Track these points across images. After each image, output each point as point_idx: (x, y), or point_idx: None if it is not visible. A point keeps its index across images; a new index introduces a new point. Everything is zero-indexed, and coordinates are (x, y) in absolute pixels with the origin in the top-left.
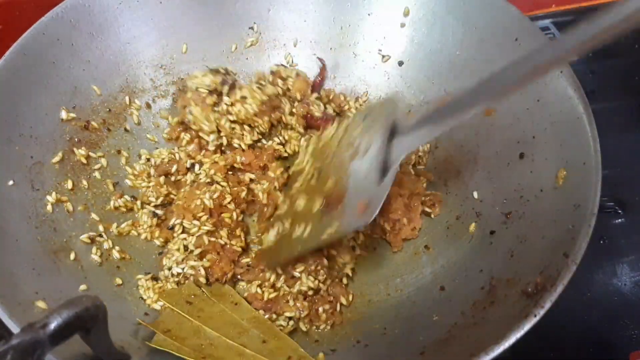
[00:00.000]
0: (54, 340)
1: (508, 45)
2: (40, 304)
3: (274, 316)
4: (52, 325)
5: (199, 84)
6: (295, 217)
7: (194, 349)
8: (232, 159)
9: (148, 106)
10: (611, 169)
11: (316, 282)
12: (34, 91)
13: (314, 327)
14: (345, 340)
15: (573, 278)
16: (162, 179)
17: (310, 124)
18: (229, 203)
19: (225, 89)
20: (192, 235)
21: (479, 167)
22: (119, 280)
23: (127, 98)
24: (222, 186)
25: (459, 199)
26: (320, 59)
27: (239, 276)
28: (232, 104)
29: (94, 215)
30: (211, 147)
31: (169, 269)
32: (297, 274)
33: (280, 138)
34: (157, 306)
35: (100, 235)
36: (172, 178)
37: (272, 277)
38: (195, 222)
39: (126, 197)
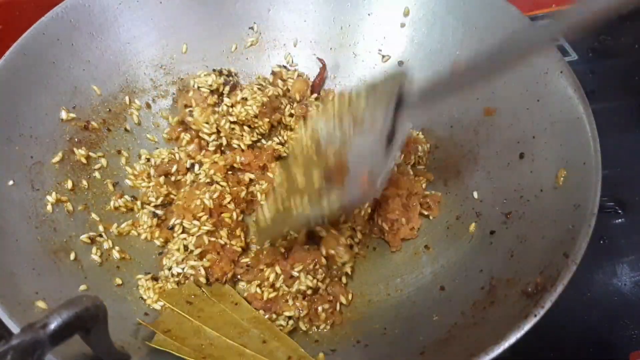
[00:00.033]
0: (54, 341)
1: None
2: (40, 304)
3: (274, 316)
4: (52, 326)
5: (200, 83)
6: (294, 190)
7: (194, 349)
8: (231, 159)
9: (148, 106)
10: (611, 169)
11: (315, 281)
12: (34, 91)
13: (314, 327)
14: (345, 340)
15: (573, 278)
16: (162, 179)
17: None
18: (229, 203)
19: (226, 89)
20: (192, 235)
21: (479, 167)
22: (119, 280)
23: (127, 98)
24: (221, 186)
25: (459, 199)
26: (320, 60)
27: (239, 276)
28: (232, 105)
29: (94, 215)
30: (211, 148)
31: (169, 269)
32: (295, 273)
33: (280, 138)
34: (157, 306)
35: (100, 235)
36: (172, 178)
37: (272, 277)
38: (195, 222)
39: (126, 197)
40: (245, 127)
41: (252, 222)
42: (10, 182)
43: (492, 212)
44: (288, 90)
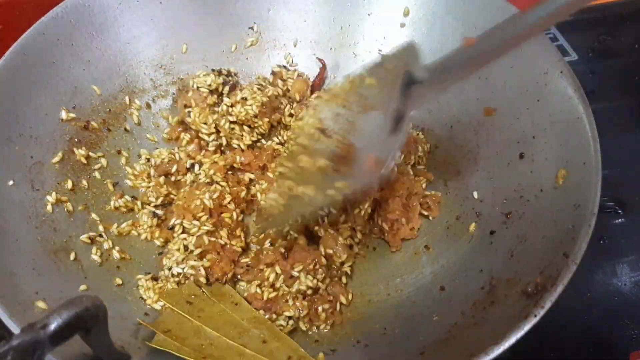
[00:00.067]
0: (54, 341)
1: None
2: (41, 304)
3: (274, 316)
4: (53, 326)
5: (200, 83)
6: (299, 174)
7: (194, 349)
8: (231, 159)
9: (148, 106)
10: (611, 169)
11: (315, 281)
12: (34, 91)
13: (314, 327)
14: (345, 340)
15: (573, 278)
16: (162, 179)
17: None
18: (229, 203)
19: (226, 89)
20: (192, 235)
21: (479, 167)
22: (119, 280)
23: (127, 98)
24: (221, 186)
25: (459, 199)
26: (320, 60)
27: (239, 276)
28: (232, 105)
29: (94, 216)
30: (211, 148)
31: (169, 269)
32: (295, 273)
33: (280, 138)
34: (157, 306)
35: (101, 236)
36: (172, 178)
37: (272, 277)
38: (195, 222)
39: (126, 197)
40: (245, 127)
41: (252, 222)
42: (10, 182)
43: (492, 212)
44: (288, 90)
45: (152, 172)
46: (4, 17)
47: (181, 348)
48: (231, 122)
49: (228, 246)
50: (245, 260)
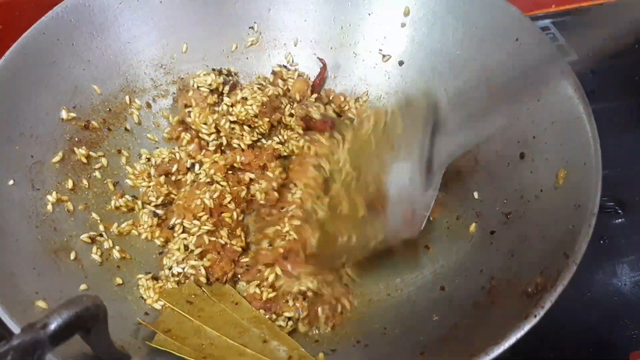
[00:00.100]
0: (54, 341)
1: (508, 45)
2: (41, 304)
3: (273, 316)
4: (53, 325)
5: (200, 83)
6: (338, 221)
7: (195, 349)
8: (231, 158)
9: (148, 106)
10: (611, 169)
11: (315, 282)
12: (34, 91)
13: (314, 329)
14: (345, 340)
15: (573, 278)
16: (162, 178)
17: (309, 126)
18: (229, 203)
19: (226, 89)
20: (193, 235)
21: (479, 167)
22: (119, 280)
23: (127, 97)
24: (222, 186)
25: (459, 199)
26: (321, 60)
27: (239, 276)
28: (232, 105)
29: (94, 215)
30: (211, 147)
31: (170, 268)
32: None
33: (280, 137)
34: (157, 306)
35: (101, 235)
36: (173, 178)
37: (271, 277)
38: (196, 221)
39: (127, 196)
40: (245, 127)
41: (252, 222)
42: (11, 182)
43: (492, 212)
44: (288, 90)
45: (152, 171)
46: (4, 17)
47: (181, 348)
48: (231, 122)
49: (228, 246)
50: (245, 259)
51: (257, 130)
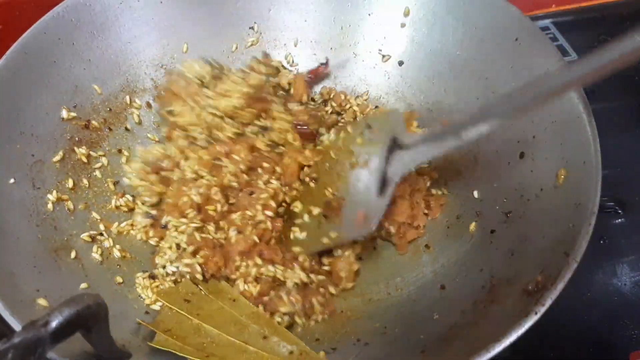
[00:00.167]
0: (55, 338)
1: (508, 45)
2: (42, 302)
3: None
4: (54, 323)
5: (187, 69)
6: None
7: (196, 348)
8: (215, 150)
9: (149, 105)
10: (611, 169)
11: (302, 273)
12: (35, 90)
13: (312, 321)
14: (345, 339)
15: (573, 278)
16: (154, 177)
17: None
18: (215, 194)
19: (209, 79)
20: (183, 233)
21: (479, 166)
22: (119, 279)
23: (127, 97)
24: (207, 180)
25: (459, 198)
26: (327, 60)
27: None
28: (214, 98)
29: (94, 214)
30: (201, 142)
31: (163, 267)
32: (271, 268)
33: (264, 124)
34: (155, 307)
35: (101, 234)
36: (163, 174)
37: (253, 271)
38: (183, 219)
39: (127, 196)
40: (228, 119)
41: None
42: (11, 181)
43: (492, 212)
44: (279, 85)
45: (145, 167)
46: (4, 17)
47: (183, 347)
48: (214, 115)
49: (215, 240)
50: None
51: (241, 120)
